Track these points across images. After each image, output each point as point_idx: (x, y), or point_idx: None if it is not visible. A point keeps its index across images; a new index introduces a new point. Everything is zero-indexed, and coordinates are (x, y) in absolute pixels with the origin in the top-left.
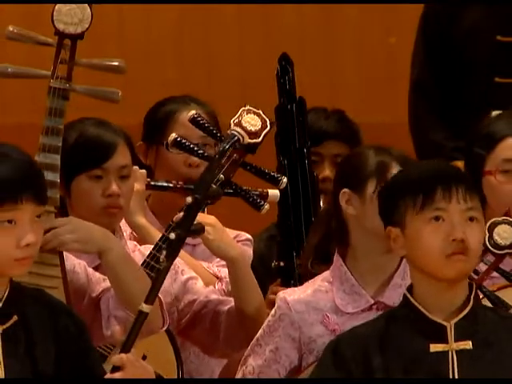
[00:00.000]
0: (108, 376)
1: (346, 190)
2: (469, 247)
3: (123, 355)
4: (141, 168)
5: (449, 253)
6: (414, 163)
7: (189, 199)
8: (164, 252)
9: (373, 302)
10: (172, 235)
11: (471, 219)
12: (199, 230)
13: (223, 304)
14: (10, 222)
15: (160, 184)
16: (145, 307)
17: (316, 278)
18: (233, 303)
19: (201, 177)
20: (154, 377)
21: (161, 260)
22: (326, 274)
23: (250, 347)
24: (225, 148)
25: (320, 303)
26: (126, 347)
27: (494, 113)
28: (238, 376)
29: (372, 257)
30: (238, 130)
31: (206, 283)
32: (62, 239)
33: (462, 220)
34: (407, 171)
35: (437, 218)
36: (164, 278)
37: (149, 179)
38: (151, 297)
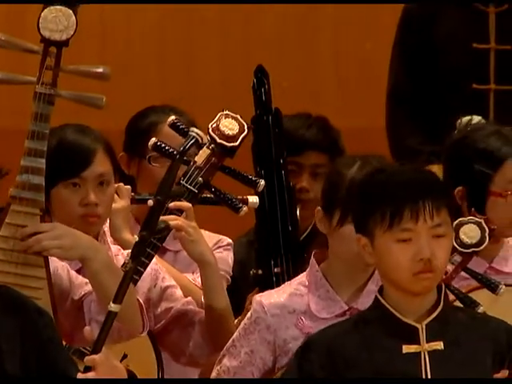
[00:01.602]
0: (80, 376)
1: (319, 208)
2: (436, 264)
3: (95, 356)
4: (123, 177)
5: (416, 271)
6: (385, 171)
7: (150, 202)
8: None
9: (347, 307)
10: (135, 237)
11: (438, 236)
12: (164, 229)
13: (197, 315)
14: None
15: (145, 198)
16: (113, 307)
17: (293, 280)
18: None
19: (162, 178)
20: (125, 376)
21: (126, 261)
22: (303, 277)
23: (225, 348)
24: (185, 148)
25: (295, 307)
26: (96, 347)
27: (464, 119)
28: (213, 375)
29: (345, 264)
30: (213, 134)
31: (192, 295)
32: (44, 245)
33: (429, 238)
34: (376, 181)
35: (404, 238)
36: (130, 279)
37: (133, 193)
38: (119, 296)
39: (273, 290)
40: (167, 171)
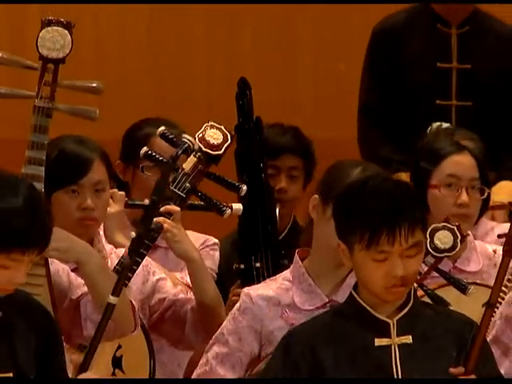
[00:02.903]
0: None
1: (316, 196)
2: (408, 278)
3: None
4: (119, 183)
5: (389, 286)
6: (367, 184)
7: (146, 201)
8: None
9: (327, 300)
10: (133, 234)
11: (412, 252)
12: (158, 229)
13: (189, 303)
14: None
15: (137, 203)
16: (112, 299)
17: (277, 276)
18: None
19: (157, 182)
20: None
21: (122, 257)
22: (287, 273)
23: (214, 336)
24: (178, 153)
25: (280, 299)
26: (96, 336)
27: (434, 125)
28: (203, 361)
29: (327, 258)
30: (200, 143)
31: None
32: None
33: (403, 256)
34: (358, 197)
35: (380, 257)
36: (127, 273)
37: (126, 198)
38: (117, 289)
39: (259, 285)
40: (161, 175)
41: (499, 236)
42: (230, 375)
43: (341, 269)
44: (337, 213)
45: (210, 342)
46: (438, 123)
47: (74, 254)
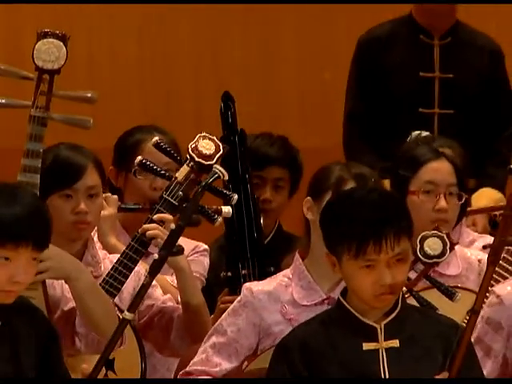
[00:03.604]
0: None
1: (308, 198)
2: (395, 287)
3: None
4: (112, 189)
5: (377, 294)
6: (353, 195)
7: (172, 225)
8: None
9: (325, 296)
10: (156, 255)
11: (398, 260)
12: (180, 252)
13: (176, 311)
14: (6, 258)
15: (130, 206)
16: (128, 315)
17: (278, 274)
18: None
19: (184, 207)
20: None
21: (145, 276)
22: (287, 271)
23: (213, 327)
24: (207, 183)
25: (280, 295)
26: (107, 349)
27: (414, 133)
28: (201, 350)
29: (326, 258)
30: (192, 153)
31: (171, 294)
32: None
33: (391, 265)
34: (344, 209)
35: (368, 266)
36: (146, 291)
37: (119, 202)
38: (134, 306)
39: (260, 281)
40: (191, 200)
41: (484, 247)
42: (225, 364)
43: None
44: (324, 224)
45: (209, 332)
46: (417, 132)
47: (64, 271)
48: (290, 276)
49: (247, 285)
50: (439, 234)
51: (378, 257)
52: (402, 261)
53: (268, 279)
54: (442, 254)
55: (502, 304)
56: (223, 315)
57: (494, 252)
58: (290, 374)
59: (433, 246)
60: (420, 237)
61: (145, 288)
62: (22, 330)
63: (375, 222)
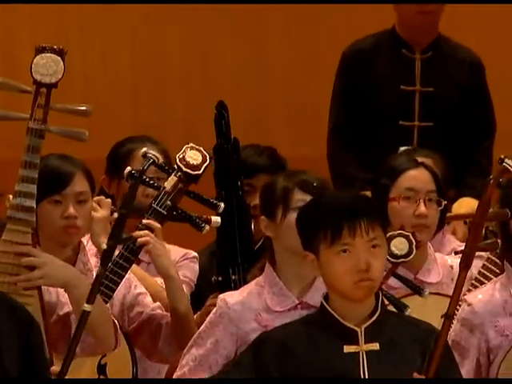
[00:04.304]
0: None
1: (262, 217)
2: (373, 272)
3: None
4: (104, 196)
5: (356, 280)
6: (326, 195)
7: (115, 214)
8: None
9: (298, 302)
10: (104, 246)
11: (374, 246)
12: (128, 239)
13: (164, 318)
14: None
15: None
16: (87, 307)
17: (251, 283)
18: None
19: (124, 195)
20: None
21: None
22: (259, 279)
23: (193, 339)
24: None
25: (254, 304)
26: (73, 343)
27: (401, 149)
28: (182, 363)
29: (291, 267)
30: (180, 163)
31: (161, 296)
32: (30, 276)
33: (366, 250)
34: (318, 205)
35: (344, 251)
36: (100, 281)
37: (113, 206)
38: (91, 297)
39: (234, 291)
40: (129, 188)
41: (456, 253)
42: (207, 375)
43: (307, 273)
44: (300, 224)
45: (189, 344)
46: (404, 147)
47: (59, 279)
48: (263, 284)
49: (221, 296)
50: (404, 233)
51: (354, 240)
52: (377, 247)
53: (241, 288)
54: (409, 253)
55: (473, 312)
56: (202, 326)
57: (465, 258)
58: (254, 366)
59: (399, 245)
60: (386, 237)
61: (99, 278)
62: (3, 327)
63: (348, 209)
